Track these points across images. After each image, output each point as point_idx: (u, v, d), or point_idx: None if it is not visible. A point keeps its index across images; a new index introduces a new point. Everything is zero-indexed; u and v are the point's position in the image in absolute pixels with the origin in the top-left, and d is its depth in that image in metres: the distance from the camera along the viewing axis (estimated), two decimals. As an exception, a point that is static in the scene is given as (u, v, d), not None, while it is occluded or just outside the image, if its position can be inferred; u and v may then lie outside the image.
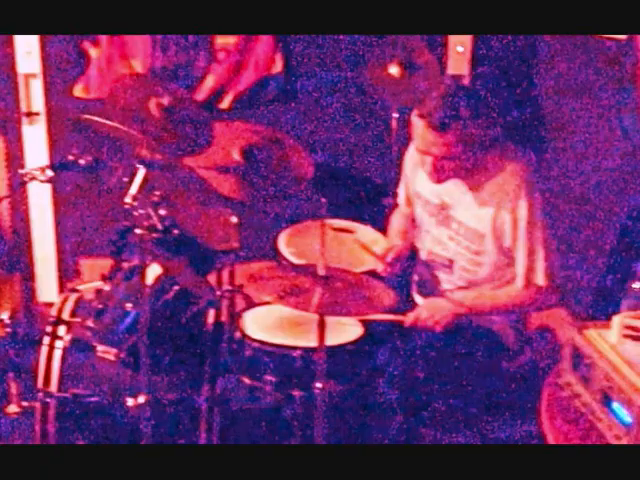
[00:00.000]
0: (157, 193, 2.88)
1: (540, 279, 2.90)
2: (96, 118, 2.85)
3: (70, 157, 2.90)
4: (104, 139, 2.92)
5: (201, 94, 4.12)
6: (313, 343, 2.65)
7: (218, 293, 3.15)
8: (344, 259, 3.16)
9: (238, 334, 3.01)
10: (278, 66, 4.16)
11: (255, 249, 3.32)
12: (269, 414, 2.98)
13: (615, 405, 2.08)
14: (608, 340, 2.22)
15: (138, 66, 4.07)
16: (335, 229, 3.38)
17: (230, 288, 3.22)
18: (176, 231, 2.94)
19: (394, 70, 3.92)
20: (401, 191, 3.29)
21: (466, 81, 4.15)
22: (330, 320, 2.65)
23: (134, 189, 2.76)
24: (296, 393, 2.89)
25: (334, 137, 4.26)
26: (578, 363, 2.24)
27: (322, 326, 2.59)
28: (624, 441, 2.03)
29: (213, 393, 2.97)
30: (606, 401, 2.11)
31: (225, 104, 4.16)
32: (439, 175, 2.89)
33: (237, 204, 3.24)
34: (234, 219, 3.21)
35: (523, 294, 2.95)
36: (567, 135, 4.03)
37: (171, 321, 2.96)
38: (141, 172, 2.78)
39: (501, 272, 2.98)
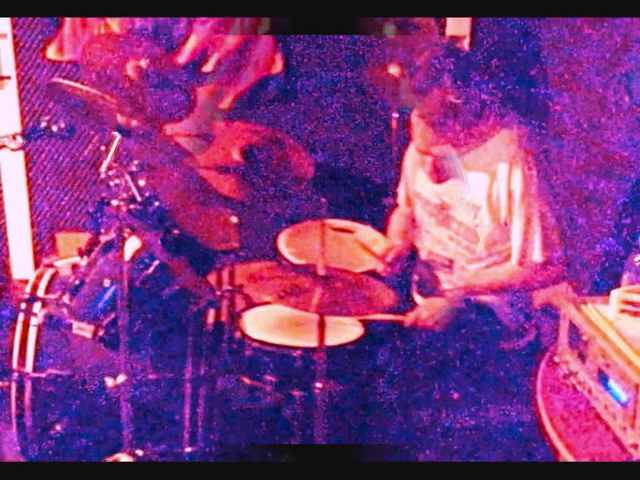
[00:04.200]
0: (135, 162, 2.74)
1: (537, 255, 2.86)
2: (70, 82, 2.71)
3: (43, 123, 2.77)
4: (78, 104, 2.73)
5: (182, 57, 3.89)
6: (313, 343, 2.65)
7: (218, 293, 3.14)
8: (344, 259, 3.15)
9: (238, 334, 3.01)
10: (278, 66, 4.15)
11: (255, 249, 3.32)
12: (269, 414, 2.98)
13: (611, 383, 2.03)
14: (605, 316, 2.16)
15: (115, 26, 3.83)
16: (335, 229, 3.38)
17: (230, 288, 3.21)
18: (176, 231, 2.93)
19: (394, 70, 3.91)
20: (401, 191, 3.28)
21: (466, 43, 4.09)
22: (330, 320, 2.65)
23: (110, 158, 2.61)
24: (296, 393, 2.89)
25: (334, 137, 4.26)
26: (575, 340, 2.18)
27: (322, 326, 2.59)
28: (619, 420, 1.97)
29: (213, 393, 2.97)
30: (602, 379, 2.06)
31: (225, 104, 4.15)
32: (439, 175, 2.89)
33: (237, 204, 3.24)
34: (234, 219, 3.21)
35: (521, 270, 2.92)
36: (568, 102, 3.93)
37: (151, 297, 2.85)
38: (117, 140, 2.63)
39: (499, 248, 2.96)
